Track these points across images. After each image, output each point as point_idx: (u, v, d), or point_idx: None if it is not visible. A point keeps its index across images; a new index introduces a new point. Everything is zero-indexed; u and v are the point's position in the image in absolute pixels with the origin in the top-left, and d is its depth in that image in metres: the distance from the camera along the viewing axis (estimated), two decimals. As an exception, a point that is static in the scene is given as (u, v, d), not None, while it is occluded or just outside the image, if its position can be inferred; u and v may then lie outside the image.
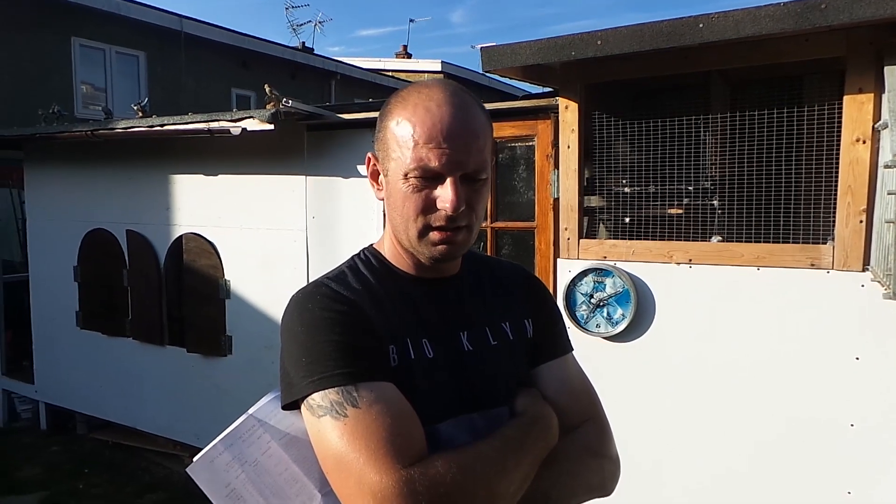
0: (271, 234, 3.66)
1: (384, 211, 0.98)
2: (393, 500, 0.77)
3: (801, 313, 2.28)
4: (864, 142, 2.15)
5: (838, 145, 2.20)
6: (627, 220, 2.60)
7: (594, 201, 2.77)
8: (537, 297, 1.08)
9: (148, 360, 4.29)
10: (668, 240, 2.50)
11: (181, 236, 4.00)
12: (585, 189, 2.68)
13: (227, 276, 3.84)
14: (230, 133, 3.26)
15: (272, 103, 3.17)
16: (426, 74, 15.14)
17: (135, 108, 4.09)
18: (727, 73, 2.90)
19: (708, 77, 2.84)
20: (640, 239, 2.55)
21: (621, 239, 2.61)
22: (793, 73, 2.89)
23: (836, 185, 2.21)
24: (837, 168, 2.20)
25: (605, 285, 2.58)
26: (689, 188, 2.52)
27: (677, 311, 2.49)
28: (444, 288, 0.98)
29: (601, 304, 2.59)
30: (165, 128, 3.59)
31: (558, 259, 2.71)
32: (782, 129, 2.30)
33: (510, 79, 2.81)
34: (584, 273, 2.61)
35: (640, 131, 2.53)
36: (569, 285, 2.64)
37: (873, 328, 2.16)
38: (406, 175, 0.88)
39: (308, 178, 3.50)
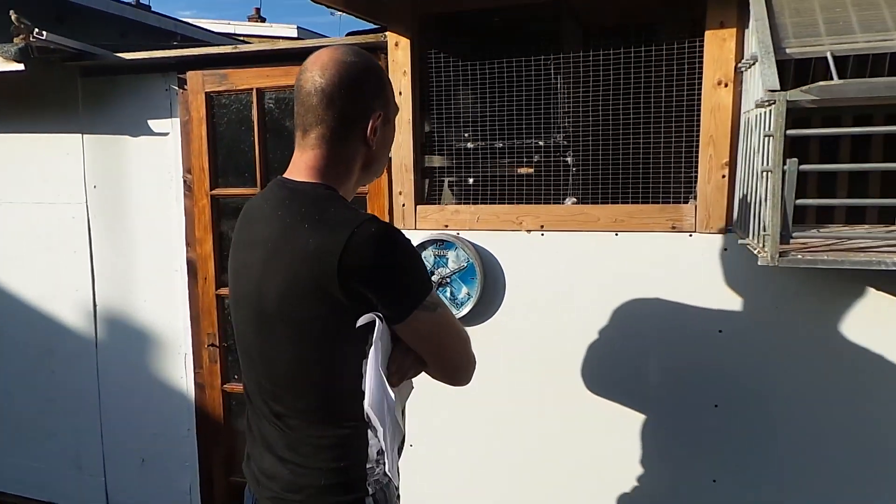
0: (41, 209, 2.89)
1: (340, 160, 1.19)
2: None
3: (662, 282, 2.01)
4: (725, 85, 1.89)
5: (699, 91, 1.93)
6: (471, 181, 2.20)
7: (436, 161, 2.34)
8: None
9: None
10: (517, 203, 2.13)
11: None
12: (423, 146, 2.25)
13: (-13, 265, 3.01)
14: (-34, 76, 2.46)
15: (22, 36, 2.41)
16: (281, 40, 14.12)
17: None
18: (579, 15, 2.59)
19: (560, 19, 2.50)
20: (486, 203, 2.17)
21: (464, 203, 2.21)
22: (647, 20, 2.65)
23: (698, 137, 1.94)
24: (699, 117, 1.93)
25: (447, 260, 2.17)
26: (540, 143, 2.16)
27: (529, 286, 2.14)
28: None
29: (444, 282, 2.18)
30: None
31: (393, 230, 2.26)
32: (640, 74, 2.00)
33: (338, 10, 2.28)
34: (422, 246, 2.18)
35: (483, 76, 2.13)
36: (406, 261, 2.20)
37: (738, 298, 1.93)
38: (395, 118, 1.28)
39: (85, 136, 2.77)
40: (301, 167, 1.18)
